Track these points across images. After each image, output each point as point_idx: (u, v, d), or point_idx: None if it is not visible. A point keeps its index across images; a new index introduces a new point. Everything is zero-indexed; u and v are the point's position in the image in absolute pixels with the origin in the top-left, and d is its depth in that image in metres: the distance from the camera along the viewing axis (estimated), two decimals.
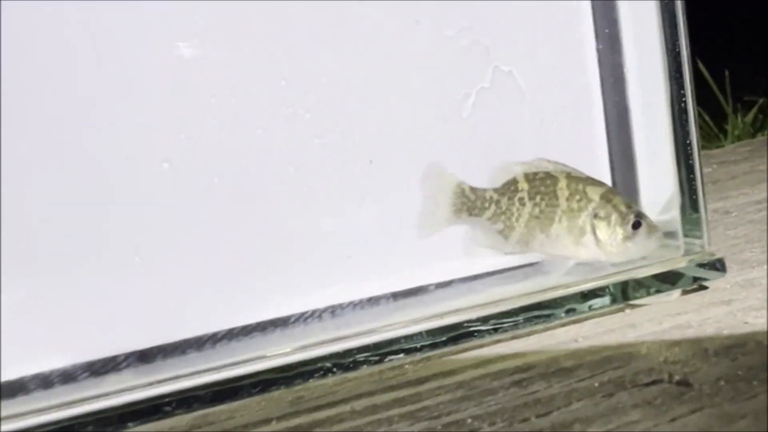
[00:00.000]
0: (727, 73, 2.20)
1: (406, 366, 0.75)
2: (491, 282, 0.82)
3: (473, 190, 0.75)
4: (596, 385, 0.65)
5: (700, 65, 2.08)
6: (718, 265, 0.83)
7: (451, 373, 0.71)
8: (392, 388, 0.70)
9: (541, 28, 0.86)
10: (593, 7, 0.87)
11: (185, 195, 0.72)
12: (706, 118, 2.37)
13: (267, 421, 0.66)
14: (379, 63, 0.79)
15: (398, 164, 0.80)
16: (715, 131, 2.35)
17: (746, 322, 0.74)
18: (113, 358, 0.70)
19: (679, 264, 0.83)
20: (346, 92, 0.77)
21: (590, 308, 0.80)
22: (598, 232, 0.75)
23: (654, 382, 0.64)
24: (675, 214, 0.85)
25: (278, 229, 0.75)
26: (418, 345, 0.75)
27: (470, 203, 0.75)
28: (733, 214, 1.16)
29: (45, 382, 0.67)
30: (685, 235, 0.85)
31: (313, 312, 0.75)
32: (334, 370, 0.72)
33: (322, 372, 0.71)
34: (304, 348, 0.71)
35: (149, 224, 0.71)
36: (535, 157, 0.77)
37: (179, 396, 0.68)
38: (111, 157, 0.70)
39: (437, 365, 0.74)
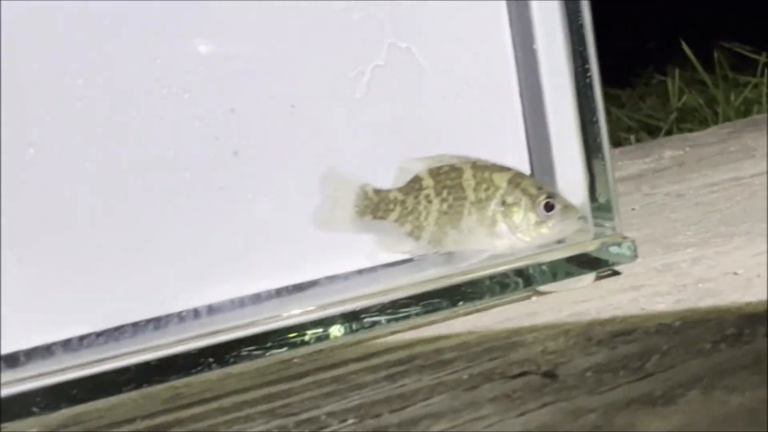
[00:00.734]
0: (716, 54, 2.12)
1: (294, 360, 0.71)
2: (395, 272, 0.78)
3: (377, 192, 0.71)
4: (465, 377, 0.61)
5: (684, 47, 2.00)
6: (628, 249, 0.77)
7: (332, 367, 0.68)
8: (269, 383, 0.67)
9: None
10: None
11: (53, 184, 0.68)
12: (701, 101, 2.29)
13: (131, 420, 0.63)
14: (262, 39, 0.74)
15: (288, 149, 0.75)
16: (708, 114, 2.27)
17: (643, 308, 0.69)
18: None
19: (588, 248, 0.77)
20: (227, 71, 0.73)
21: (490, 297, 0.75)
22: (509, 219, 0.70)
23: (522, 374, 0.59)
24: (584, 197, 0.80)
25: (158, 220, 0.72)
26: (306, 338, 0.71)
27: (374, 205, 0.71)
28: (685, 197, 1.11)
29: None
30: (596, 219, 0.80)
31: (194, 310, 0.71)
32: (213, 365, 0.68)
33: (201, 367, 0.68)
34: (181, 342, 0.68)
35: (13, 215, 0.67)
36: (438, 153, 0.73)
37: (48, 393, 0.65)
38: None
39: (323, 358, 0.70)
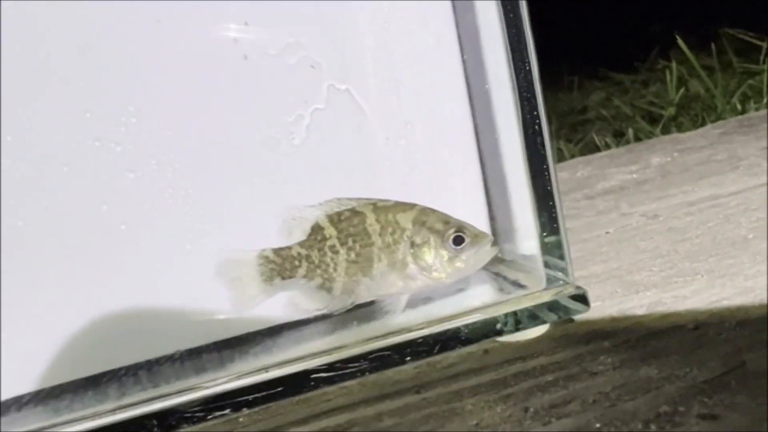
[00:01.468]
0: (713, 45, 2.05)
1: (240, 420, 0.70)
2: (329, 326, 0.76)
3: (277, 252, 0.68)
4: None
5: (680, 41, 1.93)
6: (581, 299, 0.75)
7: (272, 430, 0.67)
8: None
9: (380, 38, 0.78)
10: (436, 13, 0.79)
11: None
12: (702, 90, 2.23)
13: None
14: (196, 88, 0.72)
15: (222, 200, 0.74)
16: (710, 102, 2.21)
17: (586, 370, 0.67)
18: None
19: (538, 299, 0.75)
20: (159, 120, 0.71)
21: (443, 350, 0.73)
22: (420, 260, 0.68)
23: None
24: (534, 239, 0.77)
25: (92, 276, 0.71)
26: (249, 398, 0.69)
27: (279, 267, 0.68)
28: (660, 219, 1.07)
29: None
30: (546, 264, 0.77)
31: (128, 369, 0.70)
32: (156, 429, 0.67)
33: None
34: (122, 408, 0.67)
35: None
36: (330, 198, 0.69)
37: None
38: None
39: (267, 419, 0.69)
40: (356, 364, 0.70)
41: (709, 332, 0.69)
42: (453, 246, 0.67)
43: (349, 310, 0.71)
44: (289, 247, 0.67)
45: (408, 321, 0.74)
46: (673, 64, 2.12)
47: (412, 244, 0.68)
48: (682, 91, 2.06)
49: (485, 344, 0.75)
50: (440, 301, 0.78)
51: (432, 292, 0.73)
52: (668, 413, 0.57)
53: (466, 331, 0.73)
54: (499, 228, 0.83)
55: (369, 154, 0.78)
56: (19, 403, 0.68)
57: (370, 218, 0.68)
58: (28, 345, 0.69)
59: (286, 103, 0.74)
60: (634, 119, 2.33)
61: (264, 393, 0.68)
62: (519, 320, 0.74)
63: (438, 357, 0.74)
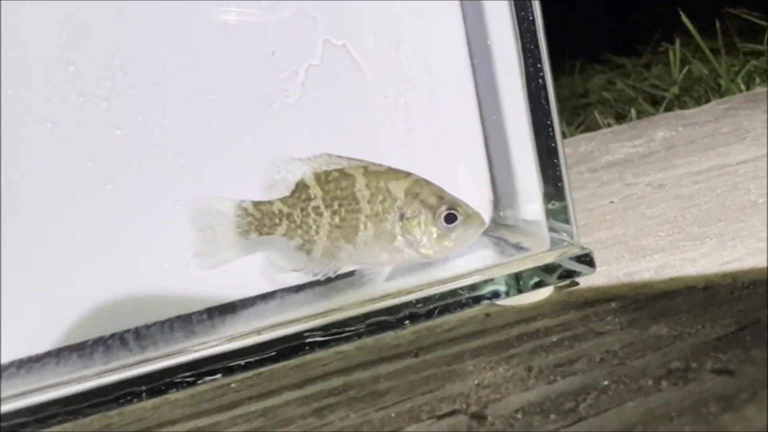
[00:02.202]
0: (717, 23, 2.01)
1: (232, 386, 0.67)
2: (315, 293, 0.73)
3: (257, 206, 0.64)
4: (393, 415, 0.56)
5: (684, 19, 1.89)
6: (586, 260, 0.71)
7: (267, 395, 0.63)
8: (200, 414, 0.62)
9: None
10: None
11: None
12: (706, 71, 2.19)
13: None
14: (186, 41, 0.68)
15: (213, 159, 0.70)
16: (713, 83, 2.16)
17: (592, 330, 0.63)
18: None
19: (542, 260, 0.71)
20: (147, 75, 0.67)
21: (442, 313, 0.69)
22: (409, 234, 0.64)
23: (452, 413, 0.54)
24: (538, 203, 0.73)
25: (77, 239, 0.67)
26: (241, 362, 0.66)
27: (257, 222, 0.64)
28: (666, 188, 1.04)
29: None
30: (551, 228, 0.73)
31: (114, 333, 0.67)
32: (144, 394, 0.64)
33: (129, 398, 0.64)
34: (108, 372, 0.63)
35: None
36: (319, 152, 0.65)
37: None
38: None
39: (261, 383, 0.65)
40: (353, 328, 0.67)
41: (720, 291, 0.65)
42: (444, 223, 0.64)
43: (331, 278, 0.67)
44: (270, 202, 0.63)
45: (406, 283, 0.70)
46: (677, 44, 2.08)
47: (402, 216, 0.64)
48: (685, 71, 2.02)
49: (487, 308, 0.71)
50: (440, 264, 0.74)
51: (417, 267, 0.69)
52: (680, 369, 0.53)
53: (467, 293, 0.69)
54: (501, 191, 0.79)
55: (367, 113, 0.74)
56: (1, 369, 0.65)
57: (360, 182, 0.64)
58: (8, 311, 0.65)
59: (280, 59, 0.71)
60: (637, 101, 2.29)
61: (257, 357, 0.65)
62: (521, 282, 0.70)
63: (437, 321, 0.70)
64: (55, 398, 0.62)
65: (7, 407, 0.60)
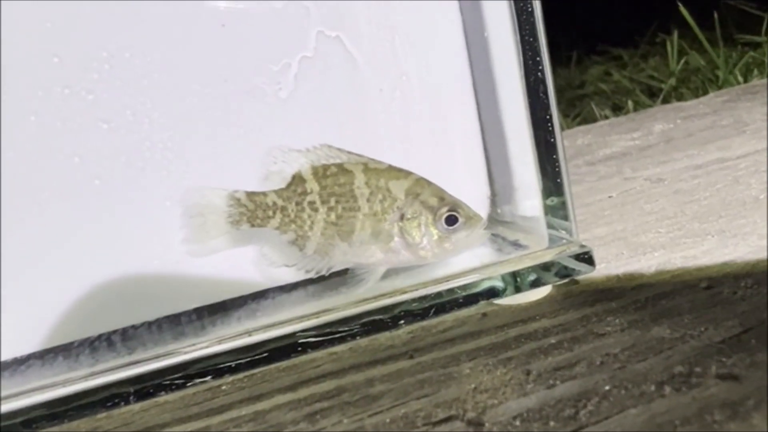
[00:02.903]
0: (716, 15, 1.98)
1: (222, 388, 0.65)
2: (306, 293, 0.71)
3: (251, 196, 0.62)
4: (387, 421, 0.54)
5: (682, 10, 1.87)
6: (585, 258, 0.69)
7: (258, 398, 0.61)
8: (189, 418, 0.60)
9: None
10: None
11: None
12: (703, 62, 2.17)
13: None
14: (175, 33, 0.66)
15: (203, 154, 0.68)
16: (711, 74, 2.14)
17: (592, 331, 0.61)
18: None
19: (540, 259, 0.69)
20: (135, 67, 0.65)
21: (438, 313, 0.67)
22: (408, 235, 0.62)
23: (447, 419, 0.52)
24: (537, 199, 0.71)
25: (63, 236, 0.65)
26: (232, 364, 0.64)
27: (250, 213, 0.62)
28: (665, 182, 1.02)
29: None
30: (549, 225, 0.71)
31: (101, 334, 0.65)
32: (133, 397, 0.62)
33: (117, 401, 0.61)
34: (95, 375, 0.61)
35: None
36: (319, 144, 0.63)
37: None
38: None
39: (252, 386, 0.63)
40: (346, 328, 0.65)
41: (723, 291, 0.63)
42: (445, 225, 0.62)
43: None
44: (264, 194, 0.61)
45: (401, 282, 0.68)
46: (674, 35, 2.05)
47: (402, 217, 0.62)
48: (683, 62, 1.99)
49: (483, 307, 0.69)
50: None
51: (412, 267, 0.67)
52: (683, 374, 0.51)
53: (463, 292, 0.67)
54: (499, 187, 0.77)
55: (361, 107, 0.72)
56: None
57: (360, 180, 0.61)
58: None
59: (272, 51, 0.68)
60: (634, 93, 2.27)
61: (247, 359, 0.63)
62: (519, 281, 0.68)
63: (433, 321, 0.68)
64: (41, 402, 0.60)
65: None
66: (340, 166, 0.61)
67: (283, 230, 0.61)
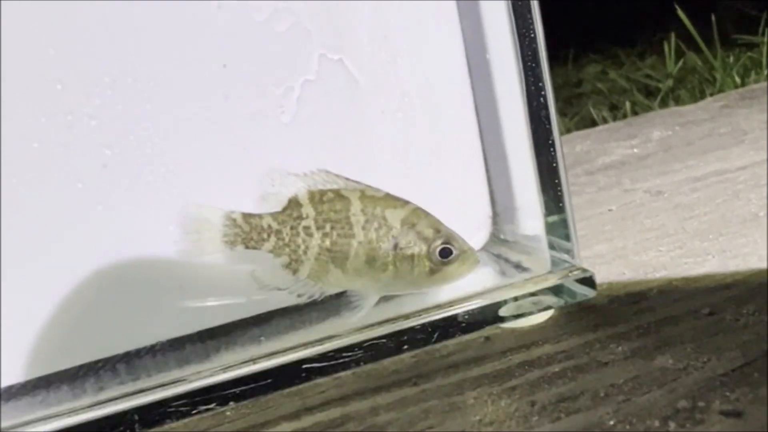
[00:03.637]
0: (713, 17, 1.98)
1: (227, 414, 0.65)
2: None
3: (246, 218, 0.62)
4: None
5: (680, 12, 1.87)
6: (587, 283, 0.70)
7: (260, 426, 0.62)
8: None
9: (375, 4, 0.71)
10: None
11: None
12: (700, 62, 2.17)
13: None
14: (177, 57, 0.66)
15: (206, 178, 0.68)
16: (708, 75, 2.15)
17: (596, 359, 0.62)
18: None
19: (543, 283, 0.70)
20: (137, 92, 0.65)
21: (442, 338, 0.68)
22: (401, 265, 0.62)
23: None
24: (538, 219, 0.72)
25: (66, 262, 0.65)
26: (237, 391, 0.64)
27: (245, 234, 0.62)
28: (665, 195, 1.02)
29: None
30: (551, 245, 0.72)
31: (105, 361, 0.65)
32: (138, 425, 0.62)
33: (123, 429, 0.62)
34: (100, 404, 0.62)
35: None
36: (317, 168, 0.63)
37: None
38: None
39: (256, 413, 0.64)
40: (350, 354, 0.65)
41: (726, 318, 0.64)
42: (439, 257, 0.62)
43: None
44: (260, 216, 0.61)
45: (403, 308, 0.68)
46: (672, 36, 2.05)
47: (396, 246, 0.62)
48: (680, 63, 2.00)
49: (486, 331, 0.70)
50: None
51: (405, 295, 0.67)
52: (687, 409, 0.52)
53: (466, 317, 0.68)
54: (500, 207, 0.77)
55: (364, 128, 0.72)
56: None
57: (356, 207, 0.62)
58: None
59: (274, 75, 0.69)
60: (631, 92, 2.27)
61: (252, 386, 0.63)
62: (522, 306, 0.69)
63: (437, 346, 0.69)
64: None
65: None
66: (337, 192, 0.61)
67: (277, 253, 0.61)
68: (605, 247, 0.88)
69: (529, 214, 0.74)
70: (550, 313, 0.72)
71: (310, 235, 0.61)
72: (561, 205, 0.70)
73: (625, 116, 1.93)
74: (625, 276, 0.78)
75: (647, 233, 0.89)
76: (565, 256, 0.71)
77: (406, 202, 0.62)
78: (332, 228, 0.61)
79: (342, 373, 0.67)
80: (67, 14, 0.63)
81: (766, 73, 1.89)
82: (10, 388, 0.63)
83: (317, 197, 0.61)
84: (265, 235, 0.61)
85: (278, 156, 0.68)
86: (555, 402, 0.57)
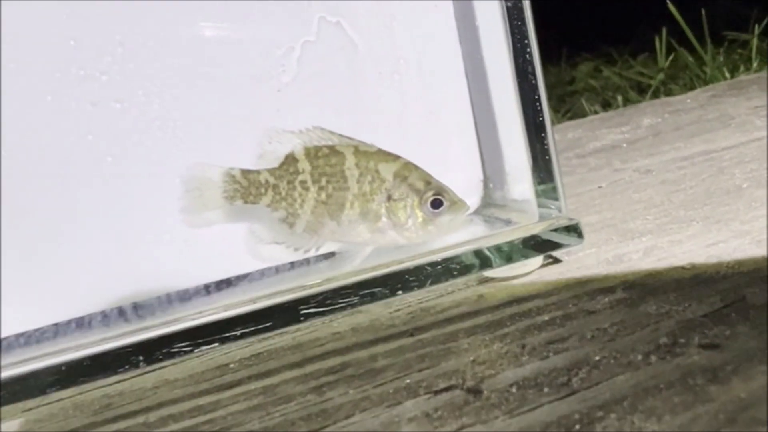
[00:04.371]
0: (703, 12, 2.03)
1: (230, 366, 0.68)
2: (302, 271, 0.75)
3: (245, 174, 0.65)
4: (391, 391, 0.58)
5: (671, 6, 1.92)
6: (575, 231, 0.73)
7: (265, 374, 0.65)
8: (199, 394, 0.64)
9: None
10: None
11: None
12: (691, 58, 2.22)
13: None
14: (185, 18, 0.70)
15: (211, 133, 0.71)
16: (698, 71, 2.19)
17: (583, 309, 0.65)
18: None
19: (532, 230, 0.73)
20: (146, 51, 0.68)
21: (435, 282, 0.71)
22: (394, 216, 0.66)
23: (448, 389, 0.56)
24: (528, 181, 0.75)
25: (76, 212, 0.68)
26: (237, 332, 0.67)
27: (243, 189, 0.65)
28: (653, 173, 1.06)
29: None
30: (540, 204, 0.75)
31: (119, 308, 0.68)
32: (142, 362, 0.65)
33: (128, 365, 0.65)
34: (105, 340, 0.65)
35: None
36: (312, 126, 0.66)
37: None
38: None
39: (259, 363, 0.67)
40: (346, 298, 0.69)
41: (707, 271, 0.68)
42: (430, 209, 0.65)
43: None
44: (258, 172, 0.65)
45: (398, 254, 0.72)
46: (663, 32, 2.10)
47: (389, 198, 0.66)
48: (671, 58, 2.04)
49: (479, 289, 0.73)
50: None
51: (397, 248, 0.70)
52: (668, 344, 0.56)
53: (458, 262, 0.71)
54: (491, 170, 0.81)
55: (361, 89, 0.76)
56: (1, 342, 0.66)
57: (350, 161, 0.65)
58: (8, 285, 0.66)
59: (276, 36, 0.72)
60: (624, 89, 2.32)
61: (252, 327, 0.66)
62: (511, 251, 0.72)
63: (431, 302, 0.72)
64: (54, 364, 0.63)
65: (7, 374, 0.62)
66: (332, 148, 0.64)
67: (274, 207, 0.64)
68: (595, 218, 0.91)
69: (519, 177, 0.78)
70: (538, 263, 0.75)
71: (307, 189, 0.64)
72: (548, 159, 0.74)
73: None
74: (613, 241, 0.81)
75: (635, 205, 0.93)
76: (554, 210, 0.74)
77: (398, 157, 0.65)
78: (328, 182, 0.64)
79: (340, 329, 0.70)
80: None
81: (754, 66, 1.94)
82: (26, 330, 0.66)
83: (313, 153, 0.65)
84: (262, 190, 0.65)
85: (278, 112, 0.72)
86: (544, 344, 0.60)
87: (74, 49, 0.66)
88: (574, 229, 0.71)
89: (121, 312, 0.67)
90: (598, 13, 2.86)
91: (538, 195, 0.74)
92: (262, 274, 0.72)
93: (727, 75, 1.99)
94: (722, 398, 0.47)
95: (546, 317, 0.65)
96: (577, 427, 0.48)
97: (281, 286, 0.68)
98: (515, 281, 0.74)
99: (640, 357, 0.55)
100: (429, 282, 0.68)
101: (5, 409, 0.63)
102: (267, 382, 0.64)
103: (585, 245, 0.75)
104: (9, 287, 0.66)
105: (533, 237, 0.72)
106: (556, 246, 0.72)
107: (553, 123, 1.89)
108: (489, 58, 0.74)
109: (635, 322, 0.61)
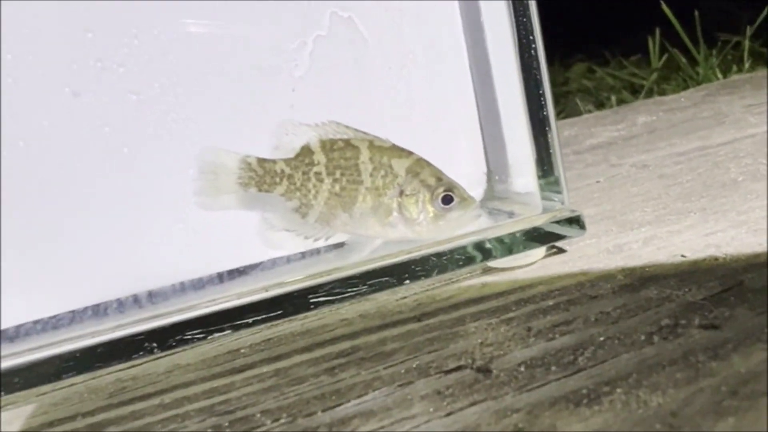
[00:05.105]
0: (696, 13, 2.07)
1: (241, 351, 0.70)
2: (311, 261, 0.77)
3: (261, 162, 0.67)
4: (402, 371, 0.60)
5: (664, 7, 1.95)
6: (576, 223, 0.76)
7: (276, 358, 0.67)
8: (212, 377, 0.66)
9: None
10: None
11: None
12: (684, 60, 2.25)
13: (72, 418, 0.62)
14: (199, 11, 0.72)
15: (224, 126, 0.74)
16: (692, 72, 2.23)
17: (587, 294, 0.68)
18: None
19: (535, 222, 0.76)
20: (162, 43, 0.71)
21: (441, 272, 0.73)
22: (405, 211, 0.68)
23: (458, 368, 0.59)
24: (531, 174, 0.78)
25: (92, 201, 0.70)
26: (249, 320, 0.70)
27: (258, 177, 0.67)
28: (650, 168, 1.09)
29: None
30: (544, 197, 0.78)
31: (134, 296, 0.70)
32: (156, 349, 0.67)
33: (142, 352, 0.67)
34: (120, 327, 0.67)
35: None
36: (328, 120, 0.69)
37: None
38: None
39: (270, 348, 0.69)
40: (355, 287, 0.71)
41: (706, 258, 0.71)
42: (441, 204, 0.68)
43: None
44: (273, 161, 0.67)
45: (405, 245, 0.74)
46: (656, 32, 2.14)
47: (401, 193, 0.68)
48: (664, 59, 2.08)
49: (483, 278, 0.76)
50: None
51: (406, 243, 0.73)
52: (670, 326, 0.58)
53: (463, 253, 0.73)
54: (495, 164, 0.84)
55: (370, 82, 0.78)
56: (18, 328, 0.68)
57: (365, 155, 0.67)
58: (25, 272, 0.68)
59: (288, 30, 0.74)
60: (617, 90, 2.35)
61: (264, 315, 0.68)
62: (514, 243, 0.75)
63: (437, 290, 0.75)
64: (70, 350, 0.65)
65: (21, 360, 0.63)
66: (347, 142, 0.67)
67: (288, 197, 0.67)
68: (594, 210, 0.94)
69: (522, 171, 0.81)
70: (541, 253, 0.78)
71: (321, 180, 0.67)
72: (551, 152, 0.76)
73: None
74: (613, 231, 0.84)
75: (633, 198, 0.96)
76: (556, 203, 0.77)
77: (411, 153, 0.68)
78: (342, 174, 0.67)
79: (349, 315, 0.72)
80: None
81: (746, 67, 1.98)
82: (42, 317, 0.68)
83: (328, 145, 0.67)
84: (277, 179, 0.67)
85: (291, 105, 0.74)
86: (550, 327, 0.63)
87: (91, 41, 0.68)
88: (576, 221, 0.74)
89: (136, 299, 0.69)
90: (591, 14, 2.89)
91: (541, 188, 0.77)
92: (274, 263, 0.74)
93: (720, 76, 2.03)
94: (723, 373, 0.50)
95: (550, 302, 0.68)
96: (585, 401, 0.50)
97: (292, 275, 0.69)
98: (518, 271, 0.77)
99: (643, 337, 0.57)
100: (436, 271, 0.70)
101: (20, 394, 0.65)
102: (279, 365, 0.66)
103: (585, 236, 0.78)
104: (28, 275, 0.68)
105: (536, 228, 0.74)
106: (559, 237, 0.74)
107: None
108: (494, 53, 0.77)
109: (637, 305, 0.63)
